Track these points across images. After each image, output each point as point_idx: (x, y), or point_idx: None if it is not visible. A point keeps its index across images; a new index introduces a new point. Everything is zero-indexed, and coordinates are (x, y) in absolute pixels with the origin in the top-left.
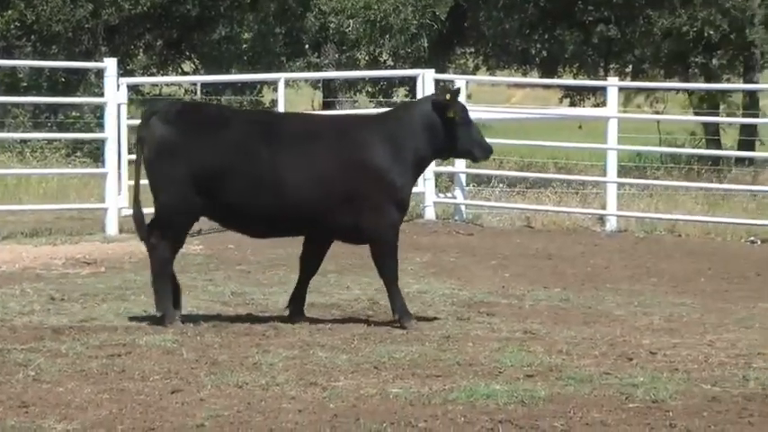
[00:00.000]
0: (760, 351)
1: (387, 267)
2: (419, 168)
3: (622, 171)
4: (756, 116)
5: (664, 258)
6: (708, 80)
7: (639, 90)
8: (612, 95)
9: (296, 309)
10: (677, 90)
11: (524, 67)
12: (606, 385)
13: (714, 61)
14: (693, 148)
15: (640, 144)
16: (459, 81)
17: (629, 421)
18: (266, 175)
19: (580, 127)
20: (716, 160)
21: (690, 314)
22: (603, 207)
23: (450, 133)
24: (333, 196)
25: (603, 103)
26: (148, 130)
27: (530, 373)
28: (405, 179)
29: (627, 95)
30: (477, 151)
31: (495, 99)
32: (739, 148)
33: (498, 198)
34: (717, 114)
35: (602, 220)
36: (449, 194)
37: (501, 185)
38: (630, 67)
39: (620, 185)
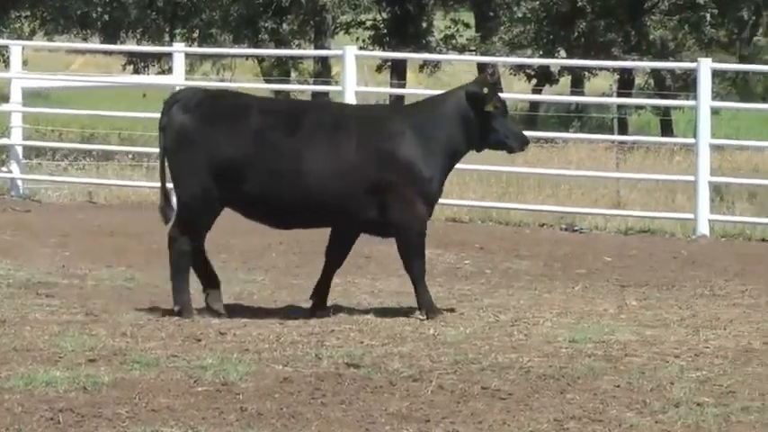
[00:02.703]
0: (333, 329)
1: (415, 265)
2: (452, 161)
3: None
4: (329, 83)
5: (235, 234)
6: (278, 46)
7: (207, 56)
8: (179, 62)
9: (319, 301)
10: (247, 56)
11: (85, 32)
12: (174, 368)
13: (284, 26)
14: None
15: None
16: (15, 47)
17: (198, 406)
18: (288, 166)
19: (144, 95)
20: None
21: (261, 291)
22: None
23: (485, 125)
24: (357, 188)
25: (169, 70)
26: (169, 119)
27: (92, 358)
28: (433, 172)
29: (193, 62)
30: (513, 142)
31: (54, 66)
32: None
33: (58, 172)
34: (288, 82)
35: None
36: (3, 169)
37: (66, 160)
38: (198, 32)
39: None
